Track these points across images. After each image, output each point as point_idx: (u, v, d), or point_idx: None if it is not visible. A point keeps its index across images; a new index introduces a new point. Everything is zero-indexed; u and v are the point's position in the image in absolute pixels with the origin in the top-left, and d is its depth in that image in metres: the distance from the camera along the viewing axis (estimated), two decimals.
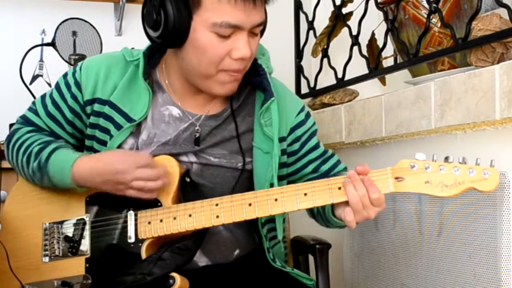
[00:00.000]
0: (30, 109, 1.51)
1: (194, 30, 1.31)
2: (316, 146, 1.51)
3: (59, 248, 1.39)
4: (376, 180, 1.24)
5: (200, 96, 1.43)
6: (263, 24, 1.36)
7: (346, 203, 1.25)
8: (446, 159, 1.22)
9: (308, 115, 1.51)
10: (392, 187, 1.23)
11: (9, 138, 1.50)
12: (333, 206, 1.32)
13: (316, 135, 1.53)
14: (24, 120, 1.50)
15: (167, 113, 1.43)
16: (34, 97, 2.14)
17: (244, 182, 1.43)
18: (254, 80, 1.45)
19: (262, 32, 1.41)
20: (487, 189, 1.19)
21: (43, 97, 1.50)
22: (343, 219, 1.27)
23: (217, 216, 1.30)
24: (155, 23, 1.33)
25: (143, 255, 1.32)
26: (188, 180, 1.37)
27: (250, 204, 1.29)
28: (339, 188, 1.25)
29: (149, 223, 1.33)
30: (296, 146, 1.47)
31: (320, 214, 1.43)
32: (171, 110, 1.43)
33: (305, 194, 1.27)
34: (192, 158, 1.42)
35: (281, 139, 1.44)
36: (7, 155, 1.50)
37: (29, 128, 1.48)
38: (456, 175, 1.20)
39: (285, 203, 1.27)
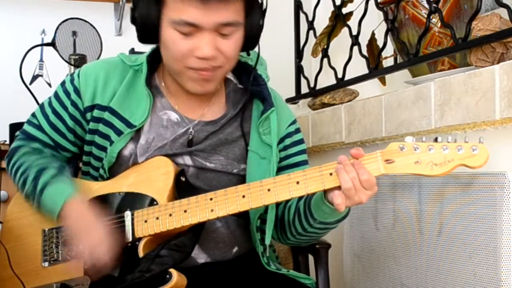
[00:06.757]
0: (29, 122, 1.50)
1: (162, 27, 1.33)
2: (301, 164, 1.49)
3: (58, 252, 1.39)
4: (366, 164, 1.24)
5: (193, 99, 1.44)
6: (232, 24, 1.31)
7: (338, 188, 1.25)
8: (436, 139, 1.23)
9: (298, 130, 1.51)
10: (382, 169, 1.24)
11: (10, 157, 1.49)
12: (325, 194, 1.31)
13: (305, 154, 1.51)
14: (26, 136, 1.49)
15: (165, 118, 1.44)
16: (34, 97, 2.14)
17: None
18: (253, 90, 1.46)
19: (254, 34, 1.37)
20: (476, 164, 1.21)
21: (41, 107, 1.49)
22: (333, 202, 1.26)
23: (212, 210, 1.30)
24: (133, 18, 1.37)
25: (141, 253, 1.32)
26: (183, 179, 1.38)
27: (243, 196, 1.29)
28: (330, 174, 1.26)
29: (146, 221, 1.33)
30: (281, 155, 1.47)
31: (301, 213, 1.39)
32: (170, 115, 1.44)
33: (297, 183, 1.27)
34: (188, 161, 1.42)
35: None
36: (8, 173, 1.49)
37: (28, 149, 1.47)
38: (445, 153, 1.21)
39: (277, 192, 1.28)
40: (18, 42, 2.39)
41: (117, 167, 1.42)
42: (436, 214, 1.52)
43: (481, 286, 1.37)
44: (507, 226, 1.31)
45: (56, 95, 1.47)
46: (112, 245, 1.30)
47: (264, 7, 1.39)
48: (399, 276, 1.67)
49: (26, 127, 1.50)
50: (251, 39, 1.38)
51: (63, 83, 1.47)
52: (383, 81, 2.24)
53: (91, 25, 2.29)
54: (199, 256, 1.43)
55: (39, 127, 1.48)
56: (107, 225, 1.36)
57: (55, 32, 2.22)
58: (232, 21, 1.31)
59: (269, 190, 1.28)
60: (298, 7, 2.54)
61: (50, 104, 1.47)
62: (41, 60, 2.36)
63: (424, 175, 1.23)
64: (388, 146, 1.25)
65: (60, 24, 2.24)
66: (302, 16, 2.50)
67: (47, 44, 2.24)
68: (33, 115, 1.50)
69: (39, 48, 2.31)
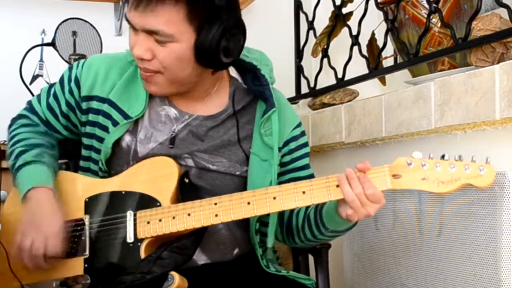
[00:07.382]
0: (37, 96, 1.56)
1: None
2: (305, 167, 1.50)
3: None
4: (373, 178, 1.25)
5: (190, 95, 1.44)
6: (160, 34, 1.30)
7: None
8: (443, 157, 1.24)
9: (303, 133, 1.52)
10: (389, 184, 1.25)
11: (10, 124, 1.55)
12: (337, 207, 1.32)
13: (308, 157, 1.52)
14: (29, 107, 1.55)
15: (163, 113, 1.44)
16: None
17: (243, 187, 1.43)
18: (256, 90, 1.46)
19: (206, 52, 1.32)
20: (482, 184, 1.21)
21: (50, 86, 1.55)
22: (346, 213, 1.26)
23: (216, 215, 1.30)
24: None
25: (142, 255, 1.32)
26: (187, 181, 1.38)
27: (248, 203, 1.29)
28: (337, 186, 1.26)
29: (148, 222, 1.33)
30: (287, 158, 1.47)
31: (311, 220, 1.40)
32: (168, 111, 1.45)
33: (303, 192, 1.28)
34: (190, 163, 1.42)
35: (278, 149, 1.44)
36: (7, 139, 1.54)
37: (26, 121, 1.52)
38: (452, 172, 1.22)
39: (283, 201, 1.28)
40: (18, 42, 2.39)
41: (115, 160, 1.43)
42: (436, 214, 1.52)
43: (481, 286, 1.37)
44: (507, 226, 1.32)
45: (61, 78, 1.51)
46: (65, 240, 1.34)
47: (242, 26, 1.37)
48: (399, 276, 1.67)
49: (32, 99, 1.56)
50: (204, 56, 1.33)
51: (70, 68, 1.51)
52: (383, 81, 2.24)
53: (91, 25, 2.29)
54: (200, 258, 1.43)
55: (40, 103, 1.53)
56: (104, 224, 1.36)
57: (55, 32, 2.22)
58: (158, 30, 1.30)
59: (274, 198, 1.29)
60: (298, 7, 2.53)
61: (54, 85, 1.52)
62: (41, 60, 2.36)
63: (430, 192, 1.24)
64: (396, 161, 1.26)
65: (60, 24, 2.24)
66: (302, 16, 2.50)
67: (47, 44, 2.24)
68: (41, 90, 1.56)
69: (39, 48, 2.31)
